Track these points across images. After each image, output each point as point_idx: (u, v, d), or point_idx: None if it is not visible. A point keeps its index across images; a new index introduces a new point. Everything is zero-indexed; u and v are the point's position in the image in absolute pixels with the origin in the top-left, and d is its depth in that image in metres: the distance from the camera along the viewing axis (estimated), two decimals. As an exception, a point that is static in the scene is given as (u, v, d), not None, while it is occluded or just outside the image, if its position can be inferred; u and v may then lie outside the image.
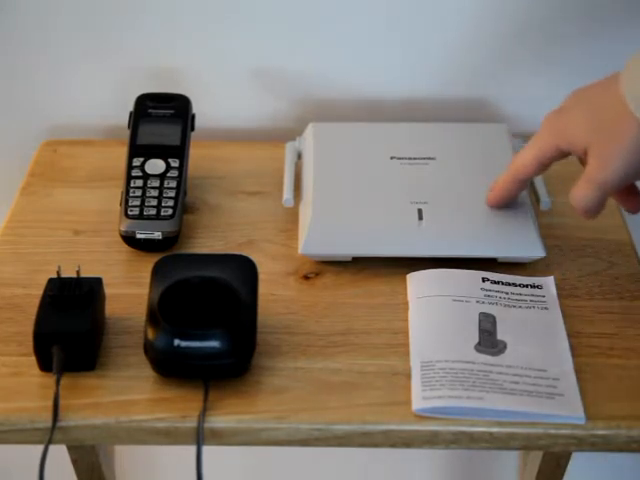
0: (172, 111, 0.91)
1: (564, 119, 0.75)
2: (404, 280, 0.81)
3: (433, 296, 0.79)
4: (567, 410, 0.69)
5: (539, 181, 0.89)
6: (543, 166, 0.78)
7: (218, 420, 0.69)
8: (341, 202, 0.85)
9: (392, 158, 0.89)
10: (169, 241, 0.84)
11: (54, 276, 0.74)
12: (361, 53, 0.98)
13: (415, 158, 0.89)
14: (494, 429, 0.69)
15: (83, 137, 1.02)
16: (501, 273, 0.81)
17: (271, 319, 0.77)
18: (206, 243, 0.86)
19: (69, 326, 0.71)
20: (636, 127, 0.70)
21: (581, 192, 0.74)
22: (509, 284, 0.80)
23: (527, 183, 0.81)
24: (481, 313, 0.77)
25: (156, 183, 0.86)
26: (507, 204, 0.83)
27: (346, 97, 1.01)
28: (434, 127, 0.95)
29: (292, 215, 0.88)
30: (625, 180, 0.73)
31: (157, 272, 0.75)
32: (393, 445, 0.70)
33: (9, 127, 1.03)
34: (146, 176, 0.86)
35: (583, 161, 0.75)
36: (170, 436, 0.69)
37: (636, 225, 0.93)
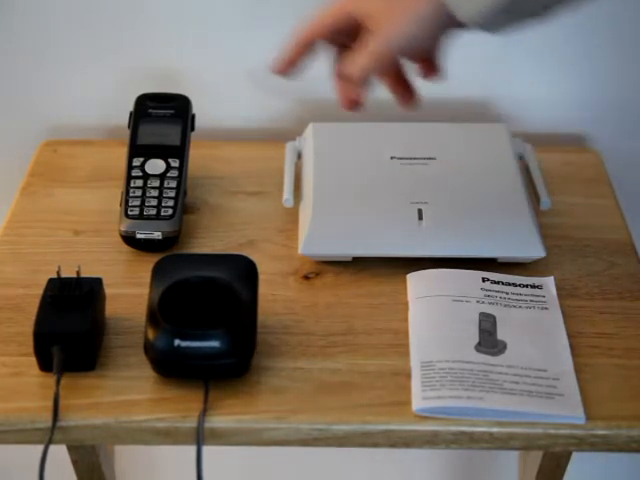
0: (172, 111, 0.91)
1: None
2: (404, 280, 0.81)
3: (433, 296, 0.79)
4: (567, 410, 0.69)
5: (539, 181, 0.89)
6: (327, 28, 0.74)
7: (218, 420, 0.69)
8: (341, 202, 0.85)
9: (392, 158, 0.89)
10: (169, 241, 0.84)
11: (54, 276, 0.74)
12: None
13: (415, 158, 0.89)
14: (494, 429, 0.69)
15: (83, 137, 1.02)
16: (501, 273, 0.81)
17: (271, 319, 0.77)
18: (206, 243, 0.86)
19: (69, 326, 0.71)
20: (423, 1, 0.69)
21: (356, 59, 0.71)
22: (509, 284, 0.80)
23: (312, 47, 0.75)
24: (481, 313, 0.77)
25: (156, 183, 0.86)
26: (292, 70, 0.76)
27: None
28: (434, 127, 0.95)
29: (292, 215, 0.88)
30: (402, 52, 0.71)
31: (157, 272, 0.75)
32: (393, 445, 0.70)
33: (9, 127, 1.03)
34: (146, 176, 0.86)
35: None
36: (170, 436, 0.69)
37: (636, 225, 0.93)
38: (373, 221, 0.83)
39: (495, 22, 0.68)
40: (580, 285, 0.82)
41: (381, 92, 1.01)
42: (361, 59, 0.71)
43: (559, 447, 0.70)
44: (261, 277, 0.76)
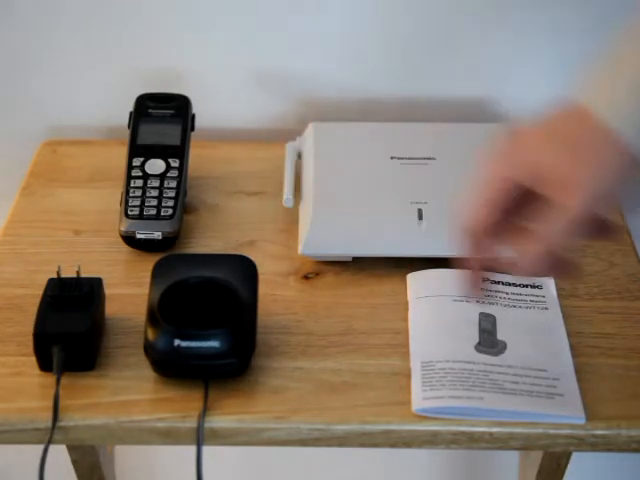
0: (172, 111, 0.91)
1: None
2: (404, 280, 0.81)
3: (433, 296, 0.79)
4: (567, 410, 0.69)
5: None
6: (492, 213, 0.68)
7: (218, 420, 0.69)
8: (341, 202, 0.85)
9: (392, 158, 0.89)
10: (169, 241, 0.84)
11: (54, 276, 0.74)
12: (361, 53, 0.98)
13: (415, 158, 0.89)
14: (494, 429, 0.69)
15: (83, 137, 1.02)
16: (501, 273, 0.81)
17: (271, 319, 0.77)
18: (206, 243, 0.86)
19: (69, 326, 0.71)
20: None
21: (549, 226, 0.64)
22: (509, 284, 0.80)
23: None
24: (481, 313, 0.77)
25: (156, 183, 0.86)
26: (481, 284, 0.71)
27: (346, 97, 1.01)
28: (434, 127, 0.95)
29: (292, 215, 0.88)
30: (592, 213, 0.64)
31: (157, 272, 0.75)
32: (393, 445, 0.70)
33: (9, 127, 1.03)
34: (146, 176, 0.86)
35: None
36: (170, 436, 0.69)
37: (636, 225, 0.92)
38: (373, 221, 0.83)
39: None
40: (580, 285, 0.82)
41: (381, 92, 1.01)
42: (555, 225, 0.64)
43: (559, 447, 0.70)
44: (261, 277, 0.76)
